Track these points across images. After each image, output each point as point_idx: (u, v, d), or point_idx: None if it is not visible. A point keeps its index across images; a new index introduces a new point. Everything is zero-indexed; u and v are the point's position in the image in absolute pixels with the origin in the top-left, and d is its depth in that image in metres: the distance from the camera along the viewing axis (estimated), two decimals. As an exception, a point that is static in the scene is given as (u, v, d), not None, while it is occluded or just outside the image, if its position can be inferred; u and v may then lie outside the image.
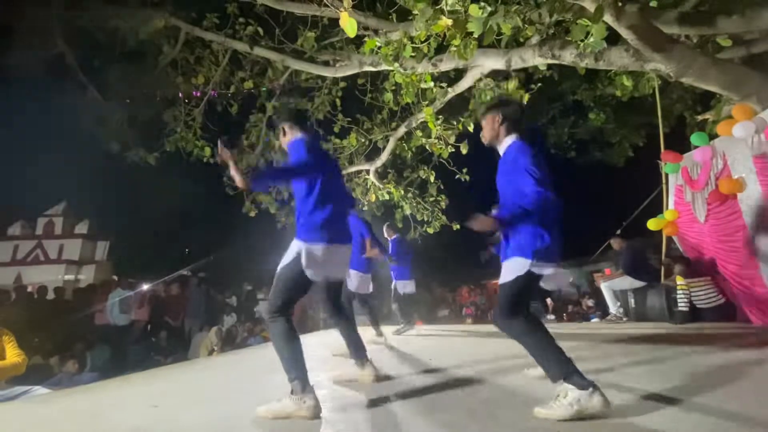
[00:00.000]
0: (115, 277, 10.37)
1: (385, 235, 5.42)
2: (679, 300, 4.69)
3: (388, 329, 5.04)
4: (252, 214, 7.74)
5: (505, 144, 2.03)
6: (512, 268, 1.84)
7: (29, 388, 3.04)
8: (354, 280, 4.24)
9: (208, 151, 7.11)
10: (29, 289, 8.00)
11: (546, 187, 1.80)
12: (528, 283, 1.82)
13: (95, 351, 5.48)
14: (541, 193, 1.78)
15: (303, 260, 2.00)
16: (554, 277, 1.90)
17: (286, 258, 2.06)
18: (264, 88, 6.98)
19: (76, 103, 7.03)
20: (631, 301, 5.66)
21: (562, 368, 1.70)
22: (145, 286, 7.66)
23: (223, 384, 2.91)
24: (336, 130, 7.69)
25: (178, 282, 7.82)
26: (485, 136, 2.14)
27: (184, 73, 6.82)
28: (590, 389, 1.61)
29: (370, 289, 4.51)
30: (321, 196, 2.10)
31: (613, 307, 5.65)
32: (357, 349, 2.47)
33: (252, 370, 3.35)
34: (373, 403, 2.04)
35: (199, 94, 7.07)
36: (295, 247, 2.05)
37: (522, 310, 1.83)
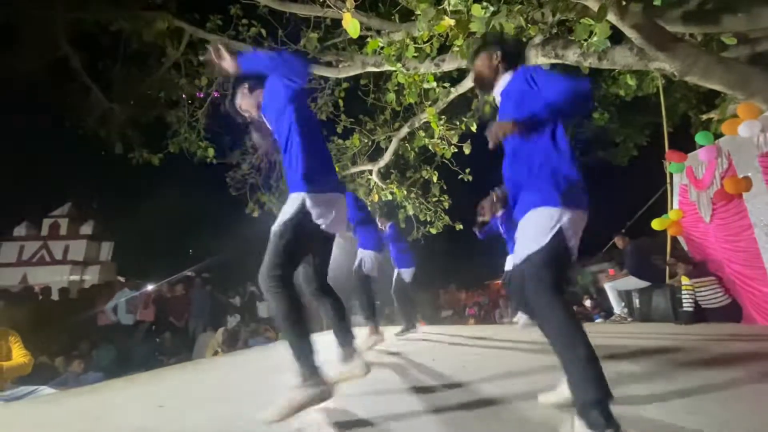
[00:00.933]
0: (121, 279, 10.45)
1: (380, 225, 5.12)
2: (684, 300, 4.66)
3: (388, 331, 5.02)
4: (255, 214, 7.77)
5: (505, 79, 1.69)
6: (542, 223, 1.44)
7: (35, 388, 3.06)
8: (369, 261, 3.86)
9: (211, 152, 7.17)
10: (35, 289, 8.06)
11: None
12: (565, 241, 1.44)
13: (100, 351, 5.51)
14: (588, 83, 1.44)
15: (309, 206, 1.76)
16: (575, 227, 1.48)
17: (286, 213, 1.79)
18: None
19: (81, 105, 7.09)
20: (636, 302, 5.63)
21: (596, 391, 1.26)
22: (150, 287, 7.71)
23: (228, 384, 2.92)
24: (339, 130, 7.73)
25: (182, 282, 7.86)
26: (477, 78, 1.79)
27: (187, 75, 6.86)
28: None
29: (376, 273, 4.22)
30: (313, 140, 1.90)
31: (618, 308, 5.62)
32: (347, 337, 2.07)
33: (256, 371, 3.35)
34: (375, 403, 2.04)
35: (202, 96, 7.11)
36: (295, 199, 1.80)
37: (562, 283, 1.42)
